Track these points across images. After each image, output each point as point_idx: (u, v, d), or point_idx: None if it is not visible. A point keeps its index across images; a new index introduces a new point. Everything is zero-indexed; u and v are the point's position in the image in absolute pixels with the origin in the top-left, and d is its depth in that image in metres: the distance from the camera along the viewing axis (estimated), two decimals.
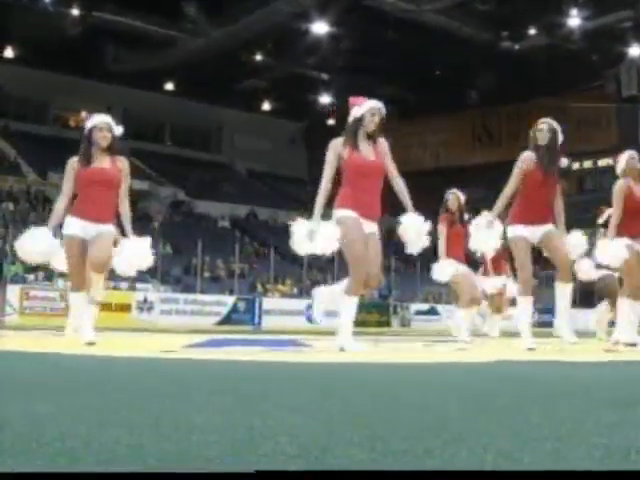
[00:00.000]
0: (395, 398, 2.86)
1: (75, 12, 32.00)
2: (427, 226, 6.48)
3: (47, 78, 38.06)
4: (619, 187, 8.09)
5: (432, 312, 29.06)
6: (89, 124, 6.76)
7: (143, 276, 24.73)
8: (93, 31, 32.90)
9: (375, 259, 6.28)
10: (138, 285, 23.43)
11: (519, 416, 2.29)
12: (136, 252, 6.84)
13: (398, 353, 6.05)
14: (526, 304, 7.16)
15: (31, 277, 22.92)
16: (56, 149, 35.82)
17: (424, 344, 8.71)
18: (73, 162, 6.83)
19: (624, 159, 8.23)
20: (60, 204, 6.98)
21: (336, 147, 6.34)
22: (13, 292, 20.84)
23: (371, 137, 6.34)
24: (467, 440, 1.81)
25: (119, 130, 6.77)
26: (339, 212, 6.27)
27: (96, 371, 4.23)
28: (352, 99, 6.49)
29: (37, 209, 30.62)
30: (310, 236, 6.15)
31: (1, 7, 30.71)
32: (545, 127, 7.15)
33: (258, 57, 37.14)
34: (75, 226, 6.84)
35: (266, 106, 45.27)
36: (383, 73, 36.93)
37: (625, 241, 7.86)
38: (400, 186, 6.45)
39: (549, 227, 7.16)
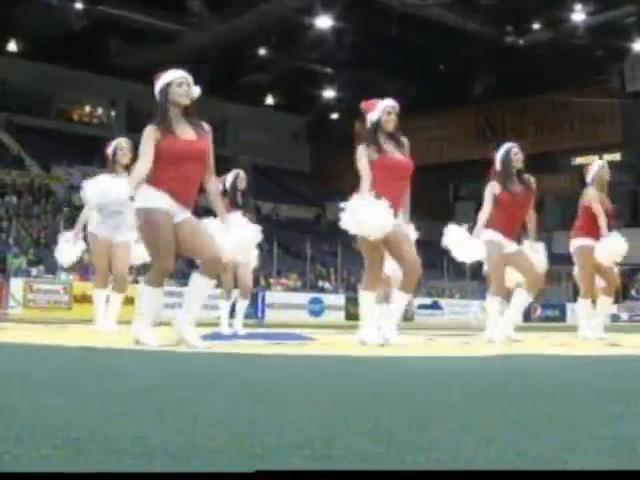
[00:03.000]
0: (399, 390, 2.86)
1: (79, 6, 31.96)
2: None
3: (50, 72, 38.03)
4: (590, 198, 8.62)
5: (435, 306, 29.06)
6: (162, 82, 5.45)
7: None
8: (97, 25, 32.85)
9: (410, 248, 6.35)
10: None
11: (524, 408, 2.29)
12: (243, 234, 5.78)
13: (402, 347, 6.05)
14: (495, 302, 7.52)
15: (34, 270, 22.94)
16: (59, 143, 35.90)
17: (428, 338, 8.71)
18: (151, 130, 5.42)
19: (595, 168, 8.67)
20: (142, 168, 5.40)
21: (364, 152, 6.32)
22: (17, 285, 20.86)
23: (392, 136, 6.36)
24: (472, 431, 1.80)
25: (197, 91, 5.51)
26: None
27: (100, 363, 4.24)
28: (364, 104, 6.52)
29: (40, 203, 30.63)
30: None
31: (5, 1, 30.67)
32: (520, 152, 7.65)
33: (262, 51, 37.08)
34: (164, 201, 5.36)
35: (270, 100, 45.19)
36: (387, 68, 36.87)
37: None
38: None
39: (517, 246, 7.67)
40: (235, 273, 9.10)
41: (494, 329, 7.46)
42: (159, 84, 5.49)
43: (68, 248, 8.72)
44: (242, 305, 9.36)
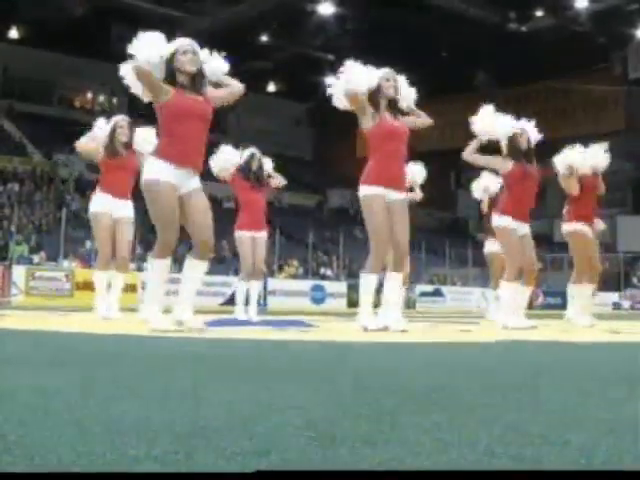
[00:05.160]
0: (401, 375, 2.87)
1: None
2: None
3: (52, 59, 37.97)
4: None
5: (437, 294, 29.05)
6: (168, 51, 5.48)
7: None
8: (98, 11, 32.79)
9: (403, 227, 6.36)
10: (144, 265, 23.42)
11: (526, 391, 2.29)
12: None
13: (403, 332, 6.05)
14: (513, 289, 7.48)
15: (36, 258, 22.95)
16: (61, 130, 35.81)
17: (430, 324, 8.72)
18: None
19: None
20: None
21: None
22: (19, 273, 20.86)
23: (392, 104, 6.35)
24: (475, 413, 1.81)
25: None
26: (365, 189, 6.30)
27: (103, 348, 4.24)
28: None
29: (42, 190, 30.62)
30: None
31: None
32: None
33: (264, 38, 37.00)
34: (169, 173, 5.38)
35: (272, 87, 45.16)
36: (389, 54, 36.72)
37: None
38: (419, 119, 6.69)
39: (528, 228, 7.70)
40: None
41: (509, 315, 7.46)
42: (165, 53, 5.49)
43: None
44: (255, 288, 9.19)
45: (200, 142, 5.46)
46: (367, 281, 6.35)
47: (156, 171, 5.36)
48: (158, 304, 5.56)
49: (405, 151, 6.44)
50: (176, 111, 5.37)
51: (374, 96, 6.33)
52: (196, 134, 5.40)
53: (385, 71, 6.43)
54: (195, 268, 5.60)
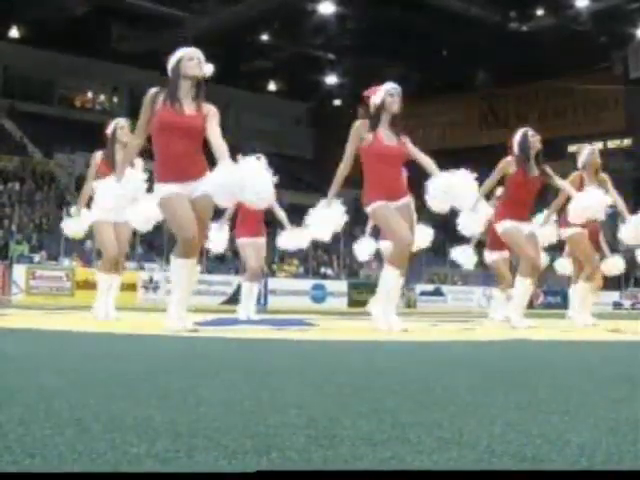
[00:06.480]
0: (402, 374, 2.87)
1: None
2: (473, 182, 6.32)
3: (53, 58, 37.91)
4: (573, 178, 8.60)
5: (437, 293, 29.04)
6: (174, 59, 5.54)
7: (149, 256, 24.79)
8: (98, 10, 32.76)
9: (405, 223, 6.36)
10: (145, 265, 23.43)
11: (526, 391, 2.29)
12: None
13: (405, 332, 6.05)
14: (526, 284, 7.44)
15: (37, 257, 22.95)
16: (62, 129, 35.83)
17: (431, 324, 8.72)
18: (152, 94, 5.50)
19: (585, 154, 8.68)
20: (133, 144, 5.65)
21: (359, 128, 6.28)
22: (19, 272, 20.87)
23: (394, 120, 6.31)
24: (475, 412, 1.81)
25: (209, 69, 5.59)
26: (371, 206, 6.31)
27: (103, 348, 4.24)
28: (365, 92, 6.49)
29: (43, 189, 30.61)
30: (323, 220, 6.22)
31: None
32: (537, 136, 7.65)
33: (264, 37, 36.95)
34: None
35: (272, 86, 45.09)
36: (390, 54, 36.72)
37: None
38: (425, 160, 6.40)
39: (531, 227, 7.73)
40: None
41: (517, 313, 7.47)
42: (171, 62, 5.54)
43: (75, 220, 8.35)
44: (256, 288, 9.33)
45: (190, 157, 5.41)
46: (390, 274, 6.27)
47: (161, 194, 5.40)
48: (186, 306, 5.47)
49: (401, 171, 6.42)
50: (159, 125, 5.41)
51: (376, 112, 6.30)
52: (180, 150, 5.38)
53: (389, 87, 6.37)
54: (178, 267, 5.41)
